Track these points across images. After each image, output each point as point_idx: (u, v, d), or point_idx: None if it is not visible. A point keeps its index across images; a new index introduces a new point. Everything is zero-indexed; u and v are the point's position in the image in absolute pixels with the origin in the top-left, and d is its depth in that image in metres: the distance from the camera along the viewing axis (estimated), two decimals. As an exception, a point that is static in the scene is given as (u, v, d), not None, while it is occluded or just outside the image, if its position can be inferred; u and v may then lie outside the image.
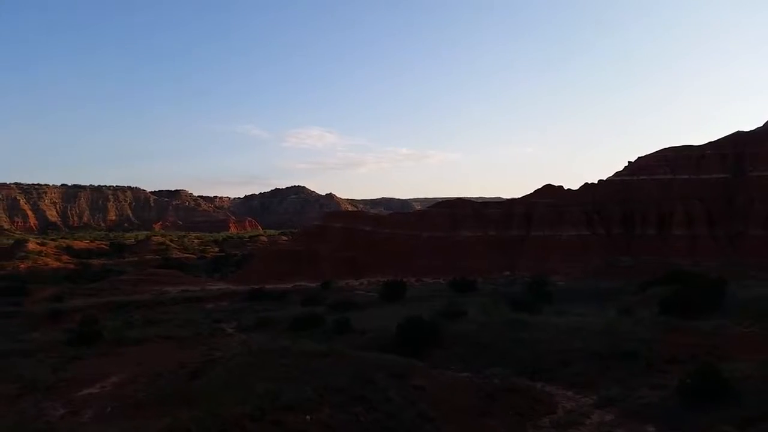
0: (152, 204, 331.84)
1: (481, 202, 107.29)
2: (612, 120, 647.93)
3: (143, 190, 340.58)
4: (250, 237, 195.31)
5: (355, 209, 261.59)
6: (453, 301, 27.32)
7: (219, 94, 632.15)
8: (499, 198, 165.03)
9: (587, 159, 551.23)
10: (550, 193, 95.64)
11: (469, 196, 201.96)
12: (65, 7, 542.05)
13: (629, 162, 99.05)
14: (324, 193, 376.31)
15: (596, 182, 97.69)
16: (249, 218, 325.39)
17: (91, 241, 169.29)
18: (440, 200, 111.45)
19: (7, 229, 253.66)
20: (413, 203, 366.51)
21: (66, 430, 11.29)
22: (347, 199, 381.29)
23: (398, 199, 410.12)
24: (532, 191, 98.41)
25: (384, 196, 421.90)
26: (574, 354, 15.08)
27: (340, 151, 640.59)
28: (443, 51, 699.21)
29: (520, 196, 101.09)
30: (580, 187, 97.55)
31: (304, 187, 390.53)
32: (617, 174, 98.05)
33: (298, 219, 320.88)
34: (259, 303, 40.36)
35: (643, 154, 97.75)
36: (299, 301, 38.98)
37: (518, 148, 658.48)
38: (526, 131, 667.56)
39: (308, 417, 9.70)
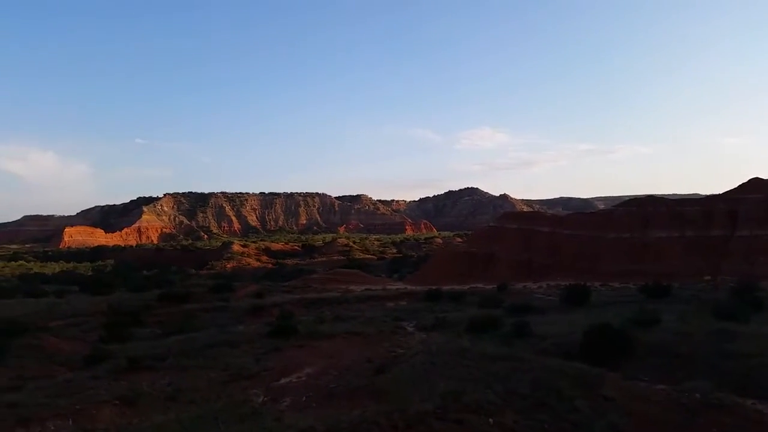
0: (337, 208, 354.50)
1: (675, 200, 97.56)
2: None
3: (329, 195, 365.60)
4: (426, 239, 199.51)
5: (531, 210, 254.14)
6: (644, 308, 25.14)
7: (395, 99, 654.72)
8: (697, 195, 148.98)
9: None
10: (758, 187, 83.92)
11: (660, 193, 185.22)
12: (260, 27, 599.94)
13: None
14: (497, 194, 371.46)
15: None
16: (424, 220, 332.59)
17: (286, 243, 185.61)
18: (627, 198, 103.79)
19: (215, 233, 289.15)
20: (595, 202, 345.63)
21: (268, 416, 12.26)
22: (522, 200, 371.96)
23: (578, 198, 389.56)
24: (736, 186, 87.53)
25: (562, 195, 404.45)
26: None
27: (511, 150, 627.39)
28: (625, 33, 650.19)
29: (721, 192, 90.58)
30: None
31: (477, 188, 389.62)
32: None
33: (472, 221, 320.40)
34: (436, 303, 40.86)
35: None
36: (476, 302, 38.74)
37: (718, 138, 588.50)
38: (727, 118, 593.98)
39: (491, 420, 9.59)
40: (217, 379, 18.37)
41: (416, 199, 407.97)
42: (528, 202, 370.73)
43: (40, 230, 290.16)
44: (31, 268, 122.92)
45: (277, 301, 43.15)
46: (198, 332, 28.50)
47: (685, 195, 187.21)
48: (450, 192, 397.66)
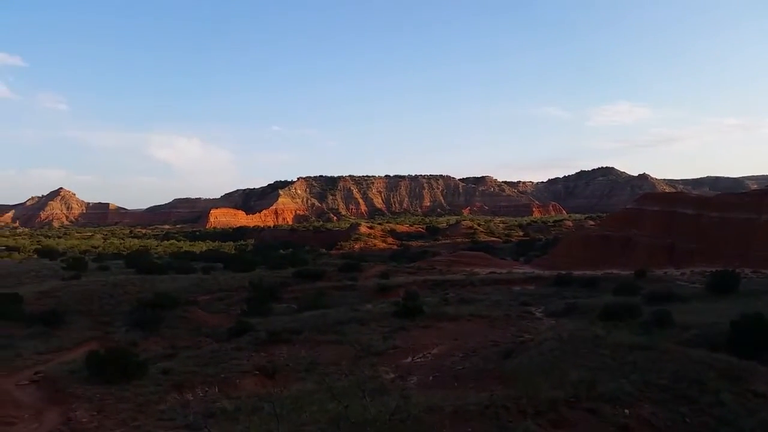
0: (461, 190, 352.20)
1: None
2: None
3: (453, 177, 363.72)
4: (554, 221, 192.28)
5: (674, 190, 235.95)
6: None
7: (518, 78, 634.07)
8: None
9: None
10: None
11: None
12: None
13: None
14: (635, 174, 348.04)
15: None
16: (553, 202, 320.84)
17: (410, 225, 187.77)
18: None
19: (344, 215, 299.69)
20: (746, 182, 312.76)
21: (396, 392, 12.61)
22: (663, 179, 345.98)
23: (726, 178, 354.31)
24: None
25: (708, 174, 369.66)
26: None
27: (652, 126, 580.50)
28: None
29: None
30: None
31: (612, 167, 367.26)
32: None
33: (606, 202, 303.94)
34: (567, 289, 39.49)
35: None
36: (610, 289, 36.94)
37: None
38: None
39: (626, 411, 9.16)
40: (347, 354, 19.22)
41: (544, 180, 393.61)
42: (670, 182, 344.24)
43: (189, 212, 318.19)
44: (181, 247, 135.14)
45: (402, 281, 43.96)
46: (329, 309, 29.89)
47: None
48: (582, 172, 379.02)
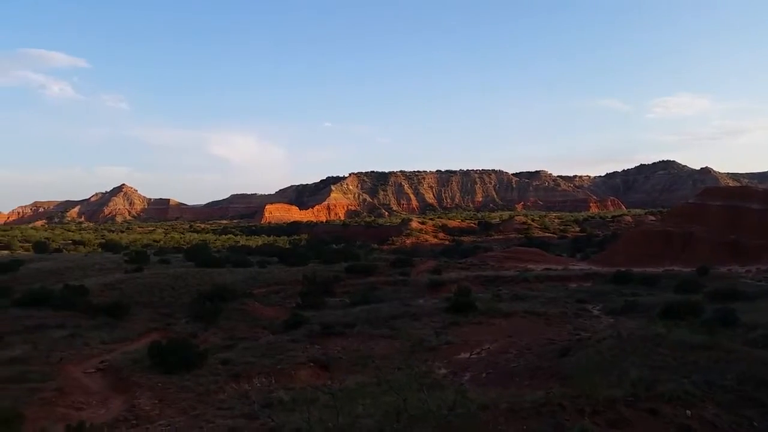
0: (514, 185, 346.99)
1: None
2: None
3: (506, 172, 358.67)
4: (613, 217, 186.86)
5: (738, 184, 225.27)
6: None
7: (573, 70, 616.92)
8: None
9: None
10: None
11: None
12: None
13: None
14: (698, 168, 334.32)
15: None
16: (611, 197, 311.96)
17: (462, 221, 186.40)
18: None
19: (395, 210, 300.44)
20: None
21: (450, 389, 12.61)
22: (728, 173, 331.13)
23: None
24: None
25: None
26: None
27: (715, 118, 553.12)
28: None
29: None
30: None
31: (673, 161, 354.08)
32: None
33: (667, 197, 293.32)
34: (626, 286, 38.49)
35: None
36: (671, 286, 35.76)
37: None
38: None
39: (688, 412, 8.86)
40: (400, 348, 19.32)
41: (602, 175, 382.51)
42: (735, 176, 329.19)
43: (245, 207, 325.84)
44: (238, 241, 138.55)
45: (454, 277, 43.80)
46: (381, 304, 30.13)
47: None
48: (641, 166, 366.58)
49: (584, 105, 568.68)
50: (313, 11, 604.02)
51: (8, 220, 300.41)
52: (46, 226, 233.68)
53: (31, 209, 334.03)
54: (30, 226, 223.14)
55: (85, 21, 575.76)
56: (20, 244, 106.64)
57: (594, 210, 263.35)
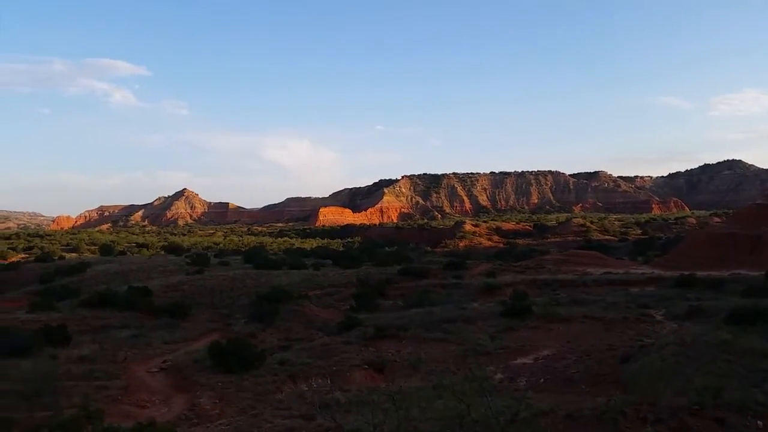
0: (571, 186, 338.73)
1: None
2: None
3: (562, 173, 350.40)
4: (676, 218, 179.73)
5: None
6: None
7: (633, 67, 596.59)
8: None
9: None
10: None
11: None
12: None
13: None
14: (766, 167, 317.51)
15: None
16: (674, 198, 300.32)
17: (517, 223, 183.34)
18: None
19: (448, 213, 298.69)
20: None
21: (506, 394, 12.44)
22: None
23: None
24: None
25: None
26: None
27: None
28: None
29: None
30: None
31: (739, 160, 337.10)
32: None
33: (733, 197, 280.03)
34: (690, 291, 36.90)
35: None
36: (738, 291, 34.05)
37: None
38: None
39: (760, 423, 8.39)
40: (454, 352, 19.17)
41: (664, 175, 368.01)
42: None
43: (300, 210, 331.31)
44: (293, 244, 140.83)
45: (510, 280, 43.12)
46: (435, 306, 29.96)
47: None
48: (706, 165, 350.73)
49: (644, 102, 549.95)
50: (367, 13, 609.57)
51: (76, 224, 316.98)
52: (111, 229, 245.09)
53: (97, 213, 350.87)
54: (96, 229, 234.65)
55: (145, 30, 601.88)
56: (87, 246, 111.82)
57: (656, 212, 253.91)
